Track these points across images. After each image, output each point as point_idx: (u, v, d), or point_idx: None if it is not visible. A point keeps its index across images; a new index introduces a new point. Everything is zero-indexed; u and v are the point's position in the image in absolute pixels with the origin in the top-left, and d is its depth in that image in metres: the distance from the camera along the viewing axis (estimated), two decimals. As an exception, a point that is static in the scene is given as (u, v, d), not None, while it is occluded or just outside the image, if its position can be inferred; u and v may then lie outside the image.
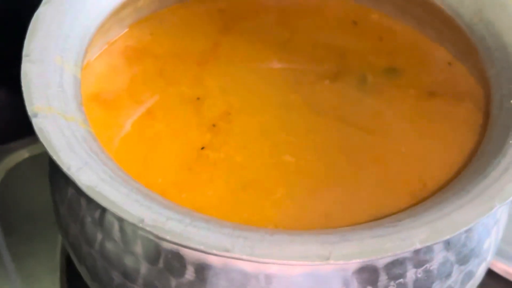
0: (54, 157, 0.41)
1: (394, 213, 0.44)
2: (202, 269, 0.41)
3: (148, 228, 0.38)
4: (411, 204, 0.47)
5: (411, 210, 0.41)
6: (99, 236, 0.45)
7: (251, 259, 0.37)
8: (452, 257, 0.44)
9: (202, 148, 0.52)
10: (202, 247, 0.37)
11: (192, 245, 0.37)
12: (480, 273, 0.48)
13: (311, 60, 0.61)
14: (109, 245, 0.45)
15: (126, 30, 0.62)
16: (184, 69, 0.59)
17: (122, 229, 0.44)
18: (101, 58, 0.60)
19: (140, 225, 0.38)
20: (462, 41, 0.55)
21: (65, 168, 0.40)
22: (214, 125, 0.54)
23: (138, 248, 0.43)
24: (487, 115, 0.50)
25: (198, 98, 0.57)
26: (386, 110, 0.56)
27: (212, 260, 0.41)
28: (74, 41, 0.52)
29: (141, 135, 0.54)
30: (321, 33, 0.63)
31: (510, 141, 0.43)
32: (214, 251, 0.37)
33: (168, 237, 0.37)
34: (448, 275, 0.44)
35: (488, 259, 0.49)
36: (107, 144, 0.52)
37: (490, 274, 0.64)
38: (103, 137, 0.52)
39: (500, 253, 0.66)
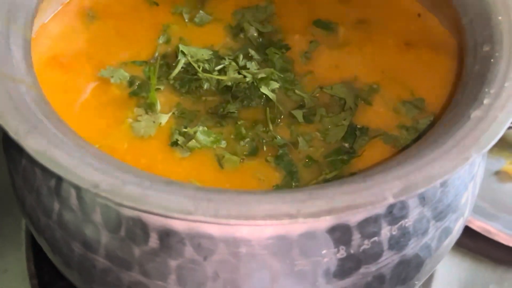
0: (0, 122, 0.38)
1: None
2: (166, 236, 0.39)
3: (104, 194, 0.35)
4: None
5: (383, 165, 0.39)
6: (56, 206, 0.43)
7: (216, 221, 0.34)
8: (428, 213, 0.42)
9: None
10: (162, 211, 0.34)
11: (151, 209, 0.35)
12: (457, 230, 0.47)
13: (279, 13, 0.58)
14: (67, 215, 0.42)
15: (82, -11, 0.58)
16: (144, 28, 0.56)
17: (79, 197, 0.41)
18: (56, 19, 0.56)
19: (95, 190, 0.35)
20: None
21: (12, 133, 0.37)
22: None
23: (98, 217, 0.41)
24: (461, 64, 0.48)
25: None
26: (361, 61, 0.54)
27: (176, 225, 0.39)
28: (22, 0, 0.48)
29: (101, 100, 0.51)
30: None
31: (486, 89, 0.41)
32: (175, 214, 0.34)
33: (125, 202, 0.35)
34: (425, 232, 0.43)
35: (465, 214, 0.47)
36: (66, 109, 0.50)
37: (468, 231, 0.63)
38: (62, 102, 0.50)
39: (477, 211, 0.65)
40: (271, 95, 0.49)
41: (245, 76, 0.50)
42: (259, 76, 0.50)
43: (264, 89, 0.49)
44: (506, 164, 0.70)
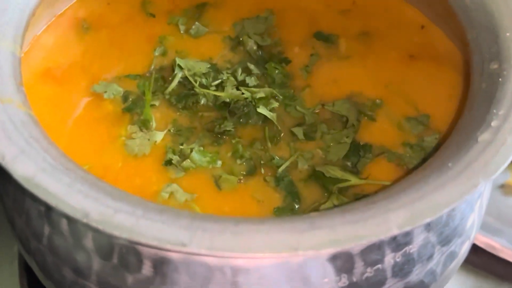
0: (-14, 146, 0.36)
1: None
2: (160, 264, 0.38)
3: (94, 224, 0.33)
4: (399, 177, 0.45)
5: (386, 191, 0.37)
6: (47, 230, 0.41)
7: (211, 253, 0.33)
8: (433, 238, 0.41)
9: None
10: (155, 243, 0.33)
11: (144, 240, 0.33)
12: (463, 253, 0.45)
13: (279, 25, 0.56)
14: (57, 240, 0.41)
15: (75, 0, 0.57)
16: (139, 40, 0.55)
17: (70, 222, 0.39)
18: (49, 31, 0.55)
19: (85, 220, 0.34)
20: (438, 1, 0.51)
21: (-2, 158, 0.36)
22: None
23: (89, 243, 0.39)
24: (468, 80, 0.46)
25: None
26: (364, 75, 0.52)
27: (171, 253, 0.37)
28: (12, 15, 0.46)
29: (94, 116, 0.49)
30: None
31: (494, 110, 0.40)
32: (169, 246, 0.33)
33: (117, 233, 0.33)
34: (430, 257, 0.41)
35: (471, 237, 0.46)
36: (58, 125, 0.48)
37: (472, 247, 0.61)
38: (54, 118, 0.49)
39: (482, 226, 0.63)
40: (269, 115, 0.47)
41: (243, 93, 0.49)
42: (258, 96, 0.48)
43: (262, 109, 0.47)
44: (511, 177, 0.68)
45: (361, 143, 0.48)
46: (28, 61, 0.52)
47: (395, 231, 0.34)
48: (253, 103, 0.48)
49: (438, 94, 0.50)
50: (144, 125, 0.48)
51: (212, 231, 0.33)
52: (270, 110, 0.48)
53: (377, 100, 0.50)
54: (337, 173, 0.45)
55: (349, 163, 0.46)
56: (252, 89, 0.49)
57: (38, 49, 0.53)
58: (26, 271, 0.62)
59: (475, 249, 0.63)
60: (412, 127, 0.48)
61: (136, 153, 0.46)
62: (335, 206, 0.43)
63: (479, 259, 0.64)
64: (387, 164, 0.46)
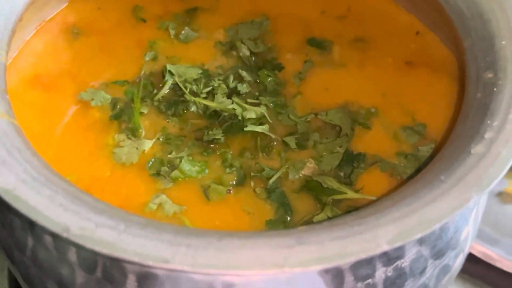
0: (-35, 157, 0.35)
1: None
2: (145, 279, 0.36)
3: (74, 239, 0.33)
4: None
5: (377, 205, 0.36)
6: (30, 242, 0.40)
7: (195, 270, 0.32)
8: (426, 251, 0.40)
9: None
10: (137, 259, 0.32)
11: (125, 256, 0.32)
12: (457, 266, 0.44)
13: (273, 30, 0.55)
14: (41, 253, 0.40)
15: (65, 4, 0.56)
16: (130, 45, 0.54)
17: (54, 235, 0.38)
18: (39, 36, 0.54)
19: (65, 235, 0.33)
20: (434, 8, 0.50)
21: (-23, 170, 0.35)
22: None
23: (73, 256, 0.38)
24: (463, 87, 0.45)
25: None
26: (359, 82, 0.51)
27: (156, 268, 0.36)
28: (-3, 19, 0.46)
29: (82, 123, 0.49)
30: (285, 1, 0.58)
31: (488, 121, 0.39)
32: (151, 263, 0.32)
33: (97, 248, 0.32)
34: (422, 271, 0.40)
35: (466, 249, 0.45)
36: (46, 133, 0.47)
37: (469, 256, 0.60)
38: (42, 126, 0.48)
39: (478, 234, 0.62)
40: (260, 129, 0.46)
41: (233, 105, 0.47)
42: (248, 116, 0.47)
43: (250, 127, 0.46)
44: (509, 185, 0.67)
45: (355, 153, 0.47)
46: (17, 66, 0.51)
47: (385, 248, 0.33)
48: (243, 121, 0.47)
49: (435, 102, 0.49)
50: (133, 133, 0.47)
51: (196, 247, 0.32)
52: (260, 123, 0.47)
53: (372, 109, 0.49)
54: (333, 184, 0.44)
55: (342, 173, 0.45)
56: (244, 105, 0.48)
57: (27, 54, 0.53)
58: (16, 280, 0.61)
59: (472, 259, 0.62)
60: (408, 137, 0.47)
61: (123, 161, 0.45)
62: (329, 218, 0.42)
63: (476, 269, 0.63)
64: (380, 174, 0.45)
